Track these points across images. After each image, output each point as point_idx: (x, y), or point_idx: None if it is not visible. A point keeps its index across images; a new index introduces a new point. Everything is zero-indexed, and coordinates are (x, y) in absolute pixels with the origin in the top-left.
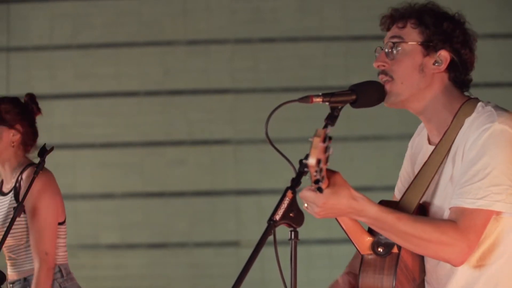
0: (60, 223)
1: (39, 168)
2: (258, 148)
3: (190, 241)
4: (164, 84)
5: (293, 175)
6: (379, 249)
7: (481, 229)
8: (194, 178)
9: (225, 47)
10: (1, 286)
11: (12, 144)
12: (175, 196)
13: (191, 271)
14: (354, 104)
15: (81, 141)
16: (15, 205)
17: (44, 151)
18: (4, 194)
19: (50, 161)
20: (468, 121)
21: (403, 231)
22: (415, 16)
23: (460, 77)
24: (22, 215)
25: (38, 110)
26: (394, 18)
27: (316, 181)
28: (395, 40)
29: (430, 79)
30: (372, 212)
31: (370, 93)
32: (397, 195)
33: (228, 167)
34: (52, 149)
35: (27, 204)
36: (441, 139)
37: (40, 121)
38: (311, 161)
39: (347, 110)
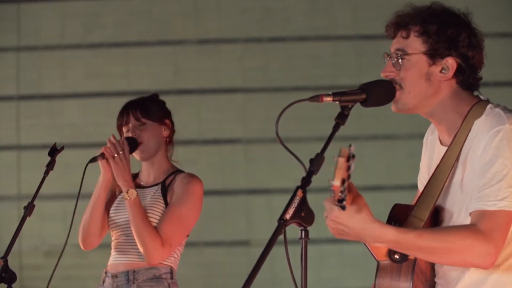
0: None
1: (49, 167)
2: (268, 147)
3: (201, 240)
4: (174, 84)
5: (304, 174)
6: (395, 256)
7: (506, 228)
8: (204, 177)
9: (235, 46)
10: (12, 286)
11: (165, 140)
12: None
13: (202, 270)
14: (364, 103)
15: (92, 140)
16: (162, 200)
17: (54, 151)
18: (143, 187)
19: (60, 160)
20: (477, 123)
21: (426, 246)
22: (418, 23)
23: (468, 80)
24: (162, 205)
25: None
26: (398, 25)
27: (340, 201)
28: (399, 52)
29: (437, 86)
30: (391, 236)
31: (380, 92)
32: (419, 187)
33: (238, 167)
34: (62, 148)
35: (175, 195)
36: (451, 142)
37: (50, 120)
38: (336, 182)
39: (357, 109)
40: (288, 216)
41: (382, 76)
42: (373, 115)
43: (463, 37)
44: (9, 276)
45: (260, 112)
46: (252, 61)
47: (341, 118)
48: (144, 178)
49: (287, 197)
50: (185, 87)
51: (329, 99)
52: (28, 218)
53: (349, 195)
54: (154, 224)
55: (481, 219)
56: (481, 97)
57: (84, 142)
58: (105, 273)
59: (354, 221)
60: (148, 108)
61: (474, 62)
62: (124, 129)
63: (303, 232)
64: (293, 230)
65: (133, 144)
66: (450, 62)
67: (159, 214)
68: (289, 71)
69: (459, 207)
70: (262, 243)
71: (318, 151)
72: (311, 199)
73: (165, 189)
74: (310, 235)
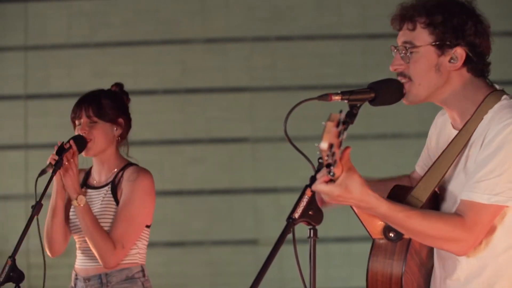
0: (147, 226)
1: (56, 166)
2: (276, 146)
3: (208, 239)
4: (182, 82)
5: (312, 173)
6: (390, 234)
7: (488, 224)
8: (212, 176)
9: (243, 45)
10: (20, 285)
11: (116, 139)
12: (193, 194)
13: (209, 269)
14: (373, 102)
15: None
16: (113, 200)
17: (62, 150)
18: (95, 188)
19: None
20: (491, 112)
21: (412, 228)
22: (424, 15)
23: (477, 67)
24: (114, 207)
25: (129, 99)
26: (404, 17)
27: (328, 165)
28: (407, 45)
29: (447, 76)
30: (382, 210)
31: (389, 91)
32: (417, 169)
33: (246, 165)
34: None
35: (123, 194)
36: (462, 128)
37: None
38: (323, 145)
39: (365, 108)
40: (296, 215)
41: (391, 69)
42: (381, 114)
43: (469, 26)
44: (18, 275)
45: (268, 111)
46: (259, 60)
47: (350, 117)
48: (96, 177)
49: (295, 196)
50: (192, 86)
51: (337, 98)
52: (35, 217)
53: (340, 163)
54: (108, 227)
55: (470, 211)
56: (496, 86)
57: None
58: (76, 275)
59: (355, 195)
60: (101, 106)
61: (482, 49)
62: (77, 122)
63: (311, 231)
64: (300, 229)
65: (81, 143)
66: (459, 52)
67: (112, 216)
68: (297, 70)
69: (460, 192)
70: (269, 242)
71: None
72: None
73: (115, 188)
74: (318, 234)
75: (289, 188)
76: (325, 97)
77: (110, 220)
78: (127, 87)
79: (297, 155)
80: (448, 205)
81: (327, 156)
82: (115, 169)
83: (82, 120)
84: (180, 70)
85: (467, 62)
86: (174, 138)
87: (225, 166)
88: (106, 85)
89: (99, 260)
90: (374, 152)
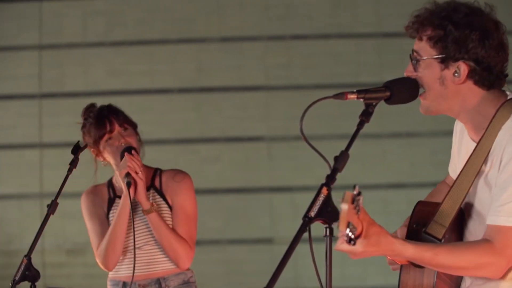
0: None
1: (72, 165)
2: (291, 145)
3: (224, 238)
4: (197, 81)
5: (327, 171)
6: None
7: None
8: (227, 175)
9: (258, 44)
10: (36, 283)
11: (142, 144)
12: (209, 193)
13: (225, 268)
14: (388, 100)
15: None
16: (162, 201)
17: (77, 149)
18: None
19: (83, 158)
20: (503, 129)
21: (441, 264)
22: (428, 28)
23: (485, 80)
24: (167, 209)
25: None
26: (413, 28)
27: (350, 240)
28: (414, 55)
29: (454, 89)
30: (409, 254)
31: (404, 90)
32: (450, 173)
33: (261, 164)
34: (85, 146)
35: (176, 195)
36: (478, 143)
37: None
38: (342, 228)
39: (379, 107)
40: (312, 214)
41: (405, 75)
42: (395, 112)
43: (473, 39)
44: (33, 274)
45: (283, 109)
46: (274, 58)
47: (366, 115)
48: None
49: (310, 195)
50: (208, 85)
51: (353, 96)
52: (50, 216)
53: (360, 225)
54: None
55: (497, 235)
56: (508, 93)
57: None
58: (123, 284)
59: (378, 248)
60: (123, 113)
61: (490, 62)
62: (105, 138)
63: (327, 229)
64: (316, 228)
65: (135, 151)
66: (462, 67)
67: (169, 219)
68: (312, 69)
69: (483, 208)
70: (285, 241)
71: (340, 149)
72: (335, 196)
73: (160, 191)
74: (334, 233)
75: (304, 187)
76: (341, 96)
77: (168, 222)
78: (143, 86)
79: (313, 154)
80: (475, 222)
81: (346, 236)
82: (148, 175)
83: (115, 132)
84: (196, 69)
85: (473, 76)
86: (190, 137)
87: (241, 165)
88: (121, 84)
89: (177, 263)
90: (389, 150)
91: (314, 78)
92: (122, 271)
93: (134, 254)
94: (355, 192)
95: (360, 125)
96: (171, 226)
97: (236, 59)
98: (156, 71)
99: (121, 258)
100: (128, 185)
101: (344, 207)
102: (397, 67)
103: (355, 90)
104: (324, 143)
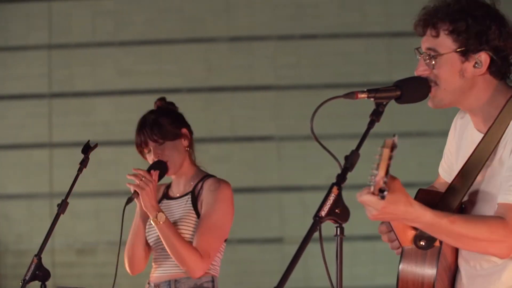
0: (225, 240)
1: (82, 165)
2: (301, 145)
3: (234, 237)
4: (206, 81)
5: (337, 171)
6: (421, 243)
7: None
8: (237, 174)
9: (267, 43)
10: (46, 283)
11: (186, 150)
12: None
13: (235, 267)
14: (398, 100)
15: (123, 138)
16: (193, 211)
17: (88, 148)
18: (173, 198)
19: (92, 158)
20: None
21: (457, 232)
22: (447, 21)
23: (501, 70)
24: (194, 217)
25: (176, 107)
26: (427, 24)
27: (382, 190)
28: (431, 52)
29: (472, 80)
30: (427, 218)
31: (415, 89)
32: (441, 174)
33: (271, 164)
34: (96, 145)
35: (204, 204)
36: (487, 132)
37: (82, 118)
38: (382, 173)
39: (389, 106)
40: (323, 213)
41: (416, 74)
42: (405, 112)
43: (493, 30)
44: (43, 274)
45: (292, 109)
46: (284, 58)
47: (376, 115)
48: (174, 189)
49: (320, 194)
50: (217, 84)
51: (363, 95)
52: (61, 215)
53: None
54: (188, 238)
55: (509, 213)
56: None
57: (115, 139)
58: (148, 283)
59: (398, 206)
60: (161, 127)
61: (507, 51)
62: (145, 151)
63: (338, 229)
64: (325, 228)
65: (163, 167)
66: (483, 57)
67: (192, 227)
68: (321, 68)
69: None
70: (294, 240)
71: (351, 148)
72: (346, 196)
73: (195, 198)
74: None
75: (314, 186)
76: (351, 95)
77: (190, 229)
78: (152, 86)
79: (322, 154)
80: (486, 208)
81: (384, 183)
82: (194, 180)
83: (150, 147)
84: (205, 68)
85: (491, 66)
86: (199, 136)
87: (250, 165)
88: (130, 83)
89: (187, 272)
90: (398, 150)
91: (324, 78)
92: (152, 272)
93: (118, 257)
94: (395, 140)
95: (371, 125)
96: (188, 234)
97: (245, 58)
98: (165, 71)
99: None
100: (128, 202)
101: (385, 150)
102: (407, 66)
103: (365, 90)
104: (334, 143)
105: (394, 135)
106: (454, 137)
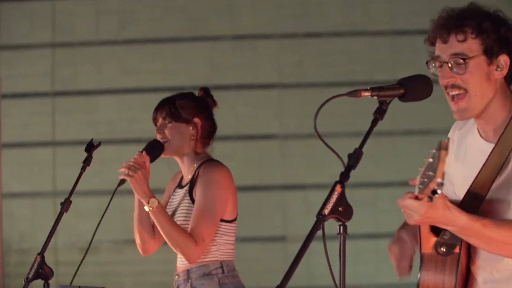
0: (231, 221)
1: (86, 163)
2: (304, 143)
3: (237, 236)
4: (210, 79)
5: (340, 169)
6: (441, 249)
7: None
8: (240, 173)
9: (271, 42)
10: (49, 282)
11: (192, 138)
12: None
13: (238, 266)
14: (402, 98)
15: (127, 136)
16: (188, 197)
17: (91, 146)
18: (182, 187)
19: (96, 156)
20: None
21: (487, 236)
22: (475, 23)
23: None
24: (188, 204)
25: (214, 103)
26: (451, 29)
27: (435, 192)
28: (460, 57)
29: (495, 85)
30: (463, 222)
31: (418, 87)
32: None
33: (274, 162)
34: (99, 144)
35: (197, 190)
36: (499, 140)
37: (85, 116)
38: (439, 175)
39: (392, 104)
40: (326, 211)
41: (443, 84)
42: (408, 110)
43: (511, 34)
44: (46, 272)
45: (296, 107)
46: (287, 56)
47: (380, 113)
48: (184, 178)
49: (323, 193)
50: (221, 83)
51: (367, 94)
52: (64, 214)
53: None
54: (182, 224)
55: None
56: None
57: (119, 138)
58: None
59: (438, 210)
60: (175, 107)
61: None
62: (157, 125)
63: (341, 227)
64: (328, 226)
65: (158, 148)
66: (504, 59)
67: (185, 213)
68: (325, 67)
69: None
70: (298, 239)
71: (354, 146)
72: (349, 194)
73: (192, 185)
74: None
75: (317, 184)
76: (354, 94)
77: (183, 216)
78: (155, 84)
79: (326, 152)
80: (504, 215)
81: (441, 184)
82: (194, 168)
83: (159, 123)
84: (209, 67)
85: (509, 70)
86: None
87: (254, 163)
88: (134, 82)
89: (183, 257)
90: (401, 148)
91: (327, 76)
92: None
93: (90, 244)
94: (448, 143)
95: (374, 123)
96: (183, 221)
97: (249, 57)
98: (169, 69)
99: None
100: (120, 183)
101: (443, 152)
102: (410, 64)
103: (369, 88)
104: (338, 141)
105: (448, 138)
106: (451, 149)
